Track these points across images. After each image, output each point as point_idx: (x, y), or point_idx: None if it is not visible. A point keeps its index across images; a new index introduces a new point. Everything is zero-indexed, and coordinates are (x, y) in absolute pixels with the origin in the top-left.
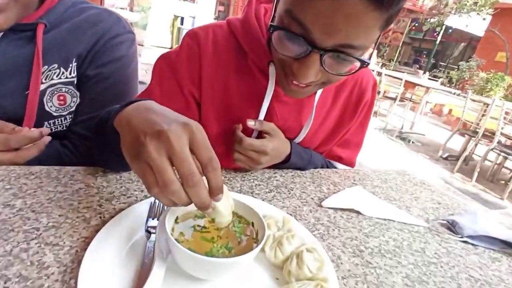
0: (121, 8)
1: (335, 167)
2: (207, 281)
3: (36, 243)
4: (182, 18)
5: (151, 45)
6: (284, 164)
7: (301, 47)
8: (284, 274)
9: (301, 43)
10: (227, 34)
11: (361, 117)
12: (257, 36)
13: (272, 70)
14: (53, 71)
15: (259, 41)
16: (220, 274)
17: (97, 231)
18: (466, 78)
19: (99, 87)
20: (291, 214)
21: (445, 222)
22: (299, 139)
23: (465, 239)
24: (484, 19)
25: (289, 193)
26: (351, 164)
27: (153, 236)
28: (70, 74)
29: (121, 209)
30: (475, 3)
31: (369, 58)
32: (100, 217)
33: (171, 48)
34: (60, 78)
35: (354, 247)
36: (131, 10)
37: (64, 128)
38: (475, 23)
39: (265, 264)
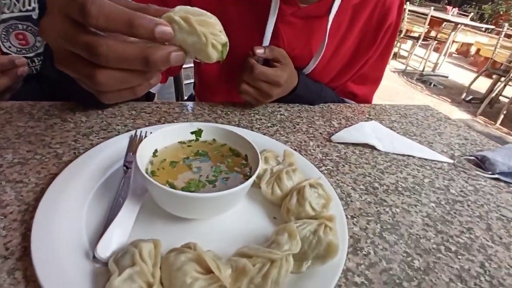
0: None
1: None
2: (193, 221)
3: None
4: None
5: None
6: (289, 96)
7: None
8: (282, 213)
9: None
10: None
11: (382, 45)
12: None
13: None
14: (2, 2)
15: None
16: (202, 212)
17: None
18: (501, 13)
19: None
20: (295, 149)
21: (473, 158)
22: (308, 69)
23: (496, 176)
24: None
25: (294, 128)
26: (367, 102)
27: (130, 171)
28: (24, 6)
29: (98, 144)
30: None
31: None
32: (74, 153)
33: None
34: (12, 11)
35: (367, 184)
36: None
37: (35, 72)
38: None
39: (261, 201)
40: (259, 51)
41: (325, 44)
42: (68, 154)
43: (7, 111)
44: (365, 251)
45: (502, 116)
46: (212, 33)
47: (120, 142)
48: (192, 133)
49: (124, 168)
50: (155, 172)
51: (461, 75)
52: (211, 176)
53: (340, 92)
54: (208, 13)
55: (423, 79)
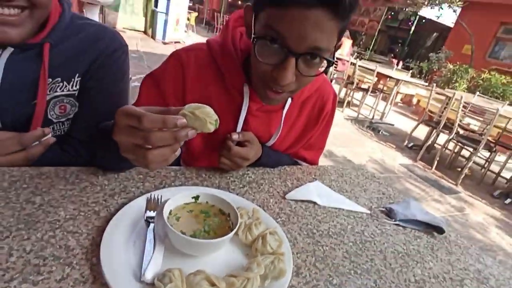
0: None
1: (300, 165)
2: (196, 257)
3: (60, 231)
4: (156, 0)
5: (123, 27)
6: (255, 163)
7: (280, 54)
8: (252, 251)
9: (280, 50)
10: (208, 56)
11: (323, 125)
12: (234, 60)
13: (246, 89)
14: (57, 84)
15: (235, 64)
16: (205, 251)
17: (106, 221)
18: (435, 70)
19: (97, 99)
20: (260, 206)
21: (384, 209)
22: (269, 144)
23: (397, 222)
24: (454, 11)
25: (259, 188)
26: (314, 163)
27: (151, 225)
28: (72, 87)
29: (123, 203)
30: None
31: (333, 59)
32: (107, 210)
33: (144, 31)
34: (63, 90)
35: (308, 230)
36: None
37: (62, 133)
38: (447, 15)
39: (238, 244)
40: (235, 136)
41: (281, 128)
42: (103, 211)
43: (47, 176)
44: (303, 274)
45: (436, 162)
46: (208, 116)
47: (139, 202)
48: (192, 197)
49: (146, 222)
50: (172, 225)
51: (405, 123)
52: (207, 227)
53: (294, 156)
54: (204, 105)
55: (373, 127)
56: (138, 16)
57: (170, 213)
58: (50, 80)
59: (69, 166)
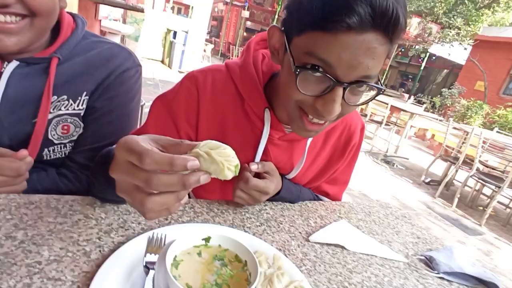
0: (114, 20)
1: (322, 200)
2: None
3: (38, 278)
4: (175, 32)
5: (142, 56)
6: (274, 197)
7: (325, 83)
8: None
9: (326, 80)
10: (226, 78)
11: (349, 158)
12: (255, 83)
13: (267, 115)
14: (62, 102)
15: (256, 87)
16: None
17: (97, 265)
18: (448, 105)
19: (104, 120)
20: (280, 249)
21: (423, 258)
22: (290, 176)
23: (441, 275)
24: (465, 49)
25: (279, 227)
26: (337, 199)
27: (151, 272)
28: (78, 106)
29: (120, 242)
30: (458, 34)
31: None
32: (100, 251)
33: (162, 61)
34: (67, 109)
35: (338, 283)
36: (124, 21)
37: (63, 155)
38: (457, 52)
39: None
40: (254, 167)
41: (304, 160)
42: (94, 252)
43: (37, 205)
44: None
45: (456, 200)
46: (226, 160)
47: (138, 242)
48: (202, 239)
49: (145, 268)
50: (176, 277)
51: (420, 158)
52: (220, 280)
53: (315, 190)
54: (224, 145)
55: (387, 160)
56: (156, 46)
57: (174, 259)
58: (55, 97)
59: (66, 193)
